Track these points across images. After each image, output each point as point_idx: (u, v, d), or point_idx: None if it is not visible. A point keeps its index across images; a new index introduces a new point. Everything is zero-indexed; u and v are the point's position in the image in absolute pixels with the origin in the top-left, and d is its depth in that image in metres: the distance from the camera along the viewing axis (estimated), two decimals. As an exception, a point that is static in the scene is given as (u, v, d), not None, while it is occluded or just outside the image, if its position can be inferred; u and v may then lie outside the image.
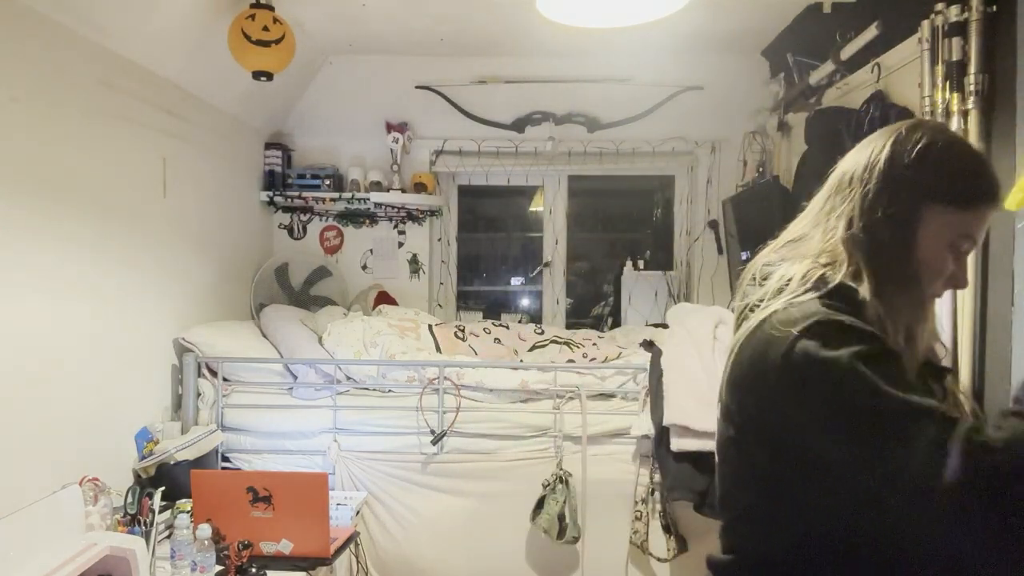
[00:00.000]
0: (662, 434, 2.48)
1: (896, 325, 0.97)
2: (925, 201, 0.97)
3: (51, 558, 1.64)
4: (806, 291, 0.99)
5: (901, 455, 0.84)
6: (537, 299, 4.31)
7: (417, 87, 3.80)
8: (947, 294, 1.95)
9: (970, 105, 1.89)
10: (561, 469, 2.67)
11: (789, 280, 1.02)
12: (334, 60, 3.75)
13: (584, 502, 2.65)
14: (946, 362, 1.94)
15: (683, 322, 2.77)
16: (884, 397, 0.86)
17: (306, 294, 3.82)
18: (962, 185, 0.97)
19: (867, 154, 1.02)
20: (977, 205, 0.98)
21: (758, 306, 1.03)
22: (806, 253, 1.06)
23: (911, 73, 2.16)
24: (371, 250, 3.99)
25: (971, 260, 1.87)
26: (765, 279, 1.07)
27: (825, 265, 1.02)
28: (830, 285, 0.99)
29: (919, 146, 0.98)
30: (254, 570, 2.08)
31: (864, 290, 0.97)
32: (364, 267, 3.99)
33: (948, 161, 0.98)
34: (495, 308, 4.50)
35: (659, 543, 2.57)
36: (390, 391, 2.90)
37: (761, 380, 0.98)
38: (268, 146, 3.78)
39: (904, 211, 0.98)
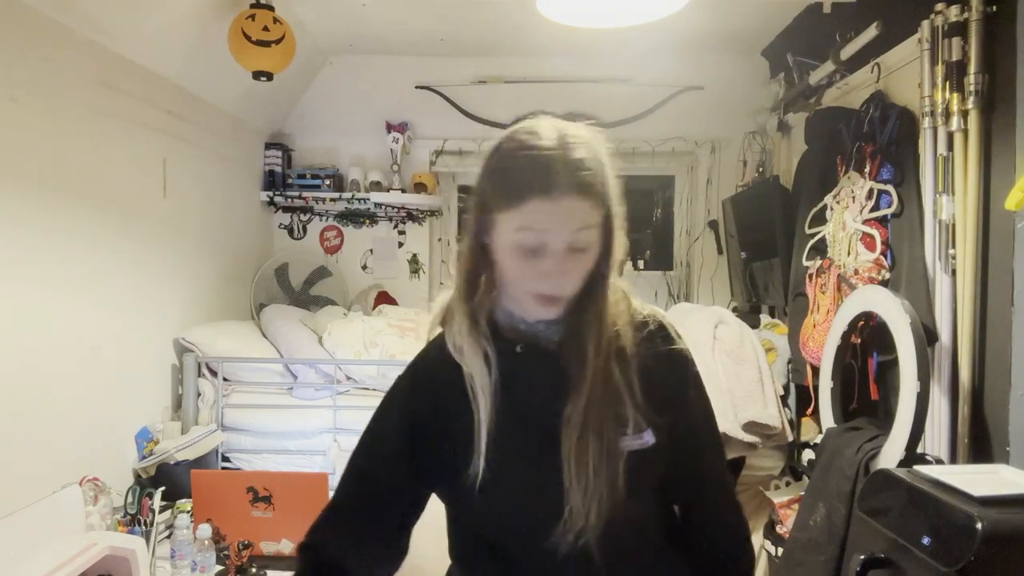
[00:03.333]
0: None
1: (459, 337, 1.02)
2: (491, 208, 0.97)
3: (51, 558, 1.64)
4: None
5: None
6: (537, 299, 4.30)
7: (417, 87, 3.80)
8: (948, 294, 1.96)
9: (970, 105, 1.89)
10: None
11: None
12: (334, 60, 3.75)
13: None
14: (945, 362, 1.95)
15: (682, 322, 2.77)
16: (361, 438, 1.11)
17: (306, 294, 3.82)
18: (506, 184, 0.96)
19: None
20: (521, 201, 0.94)
21: None
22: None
23: (911, 73, 2.16)
24: (371, 250, 3.99)
25: (970, 260, 1.88)
26: None
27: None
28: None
29: (490, 149, 1.01)
30: (254, 570, 2.08)
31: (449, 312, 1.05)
32: (364, 267, 3.99)
33: (487, 167, 0.99)
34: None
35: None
36: (390, 391, 2.90)
37: None
38: (268, 146, 3.78)
39: (475, 222, 1.00)
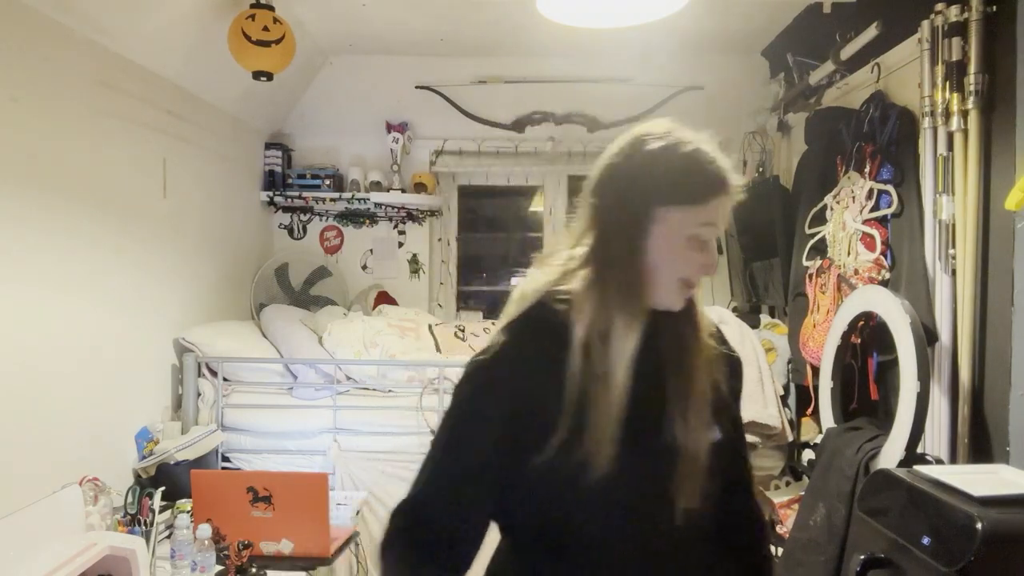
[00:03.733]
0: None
1: (603, 329, 1.02)
2: (656, 204, 1.02)
3: (51, 558, 1.64)
4: (512, 313, 1.10)
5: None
6: (537, 299, 4.30)
7: (417, 87, 3.80)
8: (948, 294, 1.96)
9: (970, 105, 1.89)
10: (561, 469, 2.66)
11: (516, 292, 1.13)
12: (334, 60, 3.75)
13: (584, 502, 2.65)
14: (945, 362, 1.95)
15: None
16: (440, 433, 1.07)
17: (306, 294, 3.82)
18: (690, 185, 1.03)
19: (598, 166, 1.09)
20: (707, 199, 1.03)
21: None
22: (547, 261, 1.13)
23: (911, 73, 2.16)
24: (371, 250, 3.99)
25: (970, 260, 1.88)
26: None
27: (554, 275, 1.09)
28: (528, 302, 1.09)
29: (647, 150, 1.04)
30: (254, 570, 2.08)
31: (578, 294, 1.05)
32: (364, 267, 3.99)
33: (667, 165, 1.03)
34: (495, 308, 4.50)
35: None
36: (390, 391, 2.90)
37: None
38: (268, 146, 3.78)
39: (636, 215, 1.03)
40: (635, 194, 1.03)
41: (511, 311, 1.10)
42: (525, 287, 1.11)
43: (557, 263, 1.10)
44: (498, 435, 1.04)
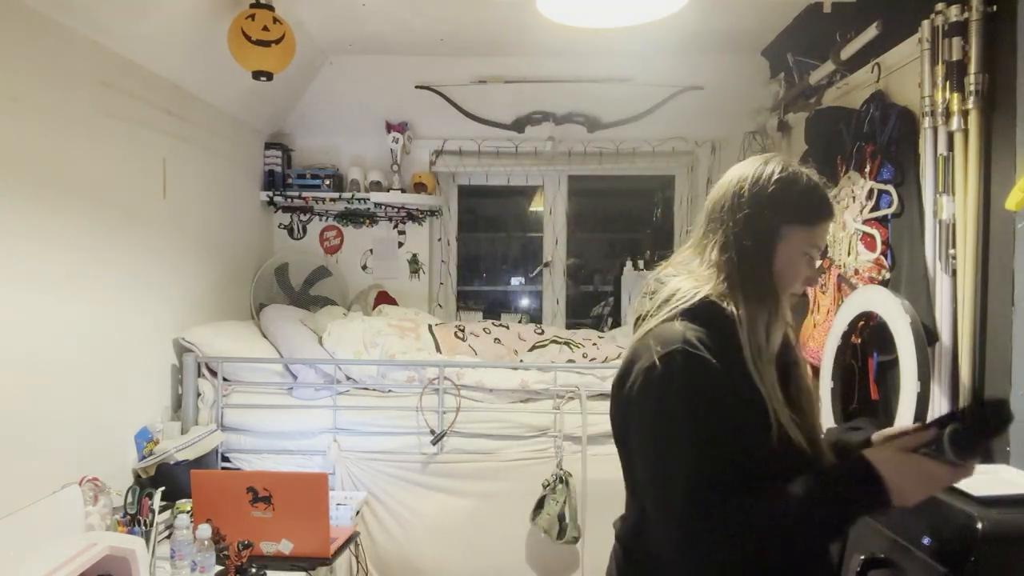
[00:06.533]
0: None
1: (755, 328, 1.19)
2: (782, 223, 1.20)
3: (51, 558, 1.64)
4: (681, 308, 1.20)
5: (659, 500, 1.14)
6: (537, 299, 4.31)
7: (417, 87, 3.80)
8: (948, 294, 1.96)
9: (970, 105, 1.89)
10: (561, 469, 2.67)
11: (675, 292, 1.23)
12: (334, 60, 3.75)
13: (584, 502, 2.65)
14: (945, 362, 1.95)
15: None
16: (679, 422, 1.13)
17: (306, 294, 3.82)
18: (808, 208, 1.21)
19: (734, 186, 1.24)
20: (820, 222, 1.22)
21: (651, 316, 1.25)
22: (692, 271, 1.27)
23: (911, 73, 2.16)
24: (371, 250, 3.99)
25: (970, 260, 1.89)
26: (655, 292, 1.28)
27: (706, 283, 1.23)
28: (695, 300, 1.20)
29: (774, 178, 1.20)
30: (254, 570, 2.08)
31: (730, 304, 1.19)
32: (364, 267, 3.99)
33: (797, 189, 1.21)
34: (495, 308, 4.51)
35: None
36: (390, 391, 2.90)
37: (621, 383, 1.21)
38: (268, 146, 3.78)
39: (766, 233, 1.20)
40: (766, 215, 1.19)
41: (679, 307, 1.20)
42: (680, 286, 1.23)
43: (701, 271, 1.24)
44: (725, 410, 1.14)
